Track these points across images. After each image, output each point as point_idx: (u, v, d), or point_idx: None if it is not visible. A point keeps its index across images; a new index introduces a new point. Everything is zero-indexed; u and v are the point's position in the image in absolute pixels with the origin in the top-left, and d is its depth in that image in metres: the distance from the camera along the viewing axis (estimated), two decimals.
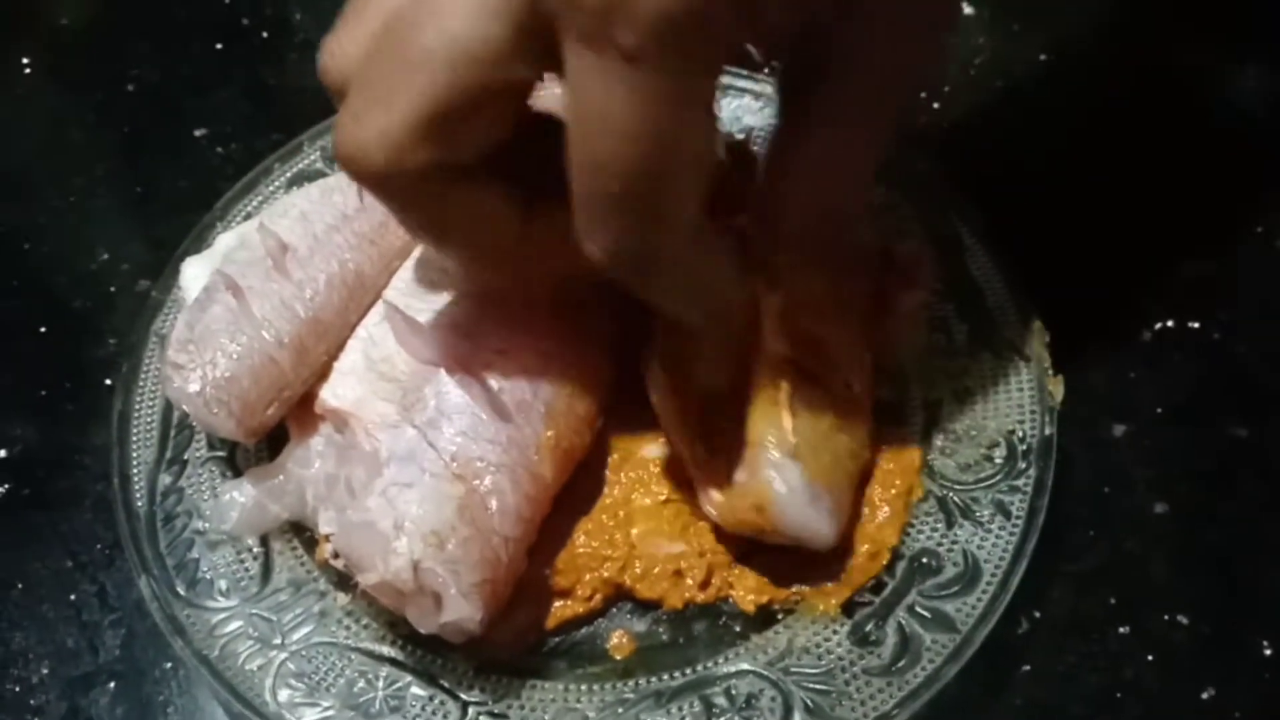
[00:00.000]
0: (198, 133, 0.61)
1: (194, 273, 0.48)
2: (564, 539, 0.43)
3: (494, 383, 0.41)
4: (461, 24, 0.32)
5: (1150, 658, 0.42)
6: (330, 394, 0.44)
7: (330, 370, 0.45)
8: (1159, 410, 0.48)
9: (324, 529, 0.42)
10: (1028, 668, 0.43)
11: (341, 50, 0.35)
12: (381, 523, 0.38)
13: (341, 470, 0.42)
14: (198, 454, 0.46)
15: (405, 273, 0.47)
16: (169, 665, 0.44)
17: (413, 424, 0.41)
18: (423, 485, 0.39)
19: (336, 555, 0.41)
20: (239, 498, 0.43)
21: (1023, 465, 0.43)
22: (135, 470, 0.45)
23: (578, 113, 0.32)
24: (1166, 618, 0.43)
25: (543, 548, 0.42)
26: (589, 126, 0.31)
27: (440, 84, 0.32)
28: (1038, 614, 0.43)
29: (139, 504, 0.45)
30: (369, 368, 0.44)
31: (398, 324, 0.44)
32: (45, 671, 0.45)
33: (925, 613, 0.40)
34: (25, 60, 0.65)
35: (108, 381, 0.51)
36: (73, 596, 0.46)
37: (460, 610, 0.37)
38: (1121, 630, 0.43)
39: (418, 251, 0.47)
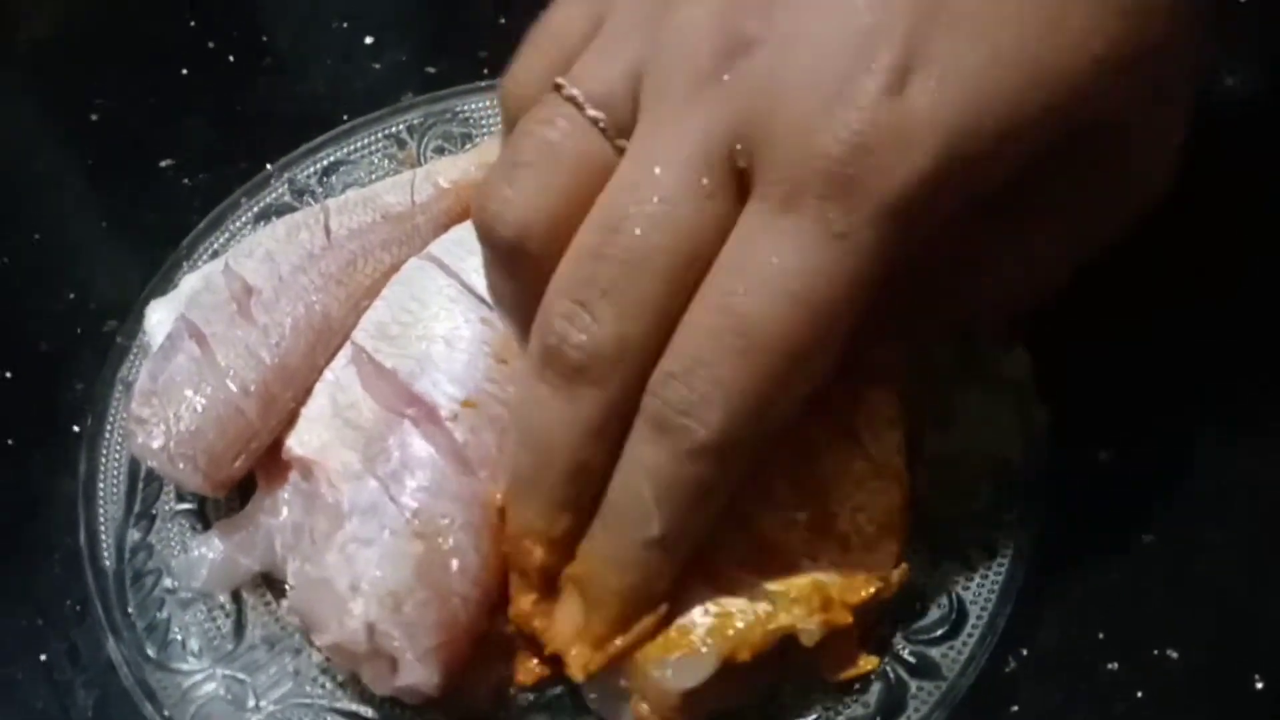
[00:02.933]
0: (163, 163, 0.60)
1: (159, 317, 0.47)
2: None
3: (459, 434, 0.40)
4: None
5: (1140, 694, 0.42)
6: (296, 441, 0.43)
7: (298, 416, 0.44)
8: (1146, 434, 0.47)
9: (290, 580, 0.42)
10: (1015, 708, 0.41)
11: (520, 80, 0.37)
12: (338, 581, 0.37)
13: (307, 519, 0.41)
14: (166, 507, 0.45)
15: (374, 314, 0.46)
16: None
17: (375, 475, 0.40)
18: (382, 543, 0.38)
19: (292, 612, 0.41)
20: (208, 553, 0.43)
21: (1008, 499, 0.43)
22: (103, 526, 0.45)
23: (740, 264, 0.32)
24: (1156, 652, 0.42)
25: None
26: (752, 281, 0.31)
27: None
28: (1024, 651, 0.42)
29: (107, 562, 0.44)
30: (335, 414, 0.43)
31: (364, 368, 0.43)
32: None
33: (910, 659, 0.40)
34: None
35: (75, 428, 0.50)
36: (43, 656, 0.45)
37: (416, 674, 0.37)
38: (1110, 666, 0.42)
39: (387, 291, 0.46)
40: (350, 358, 0.44)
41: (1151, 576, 0.44)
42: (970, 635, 0.40)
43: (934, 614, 0.41)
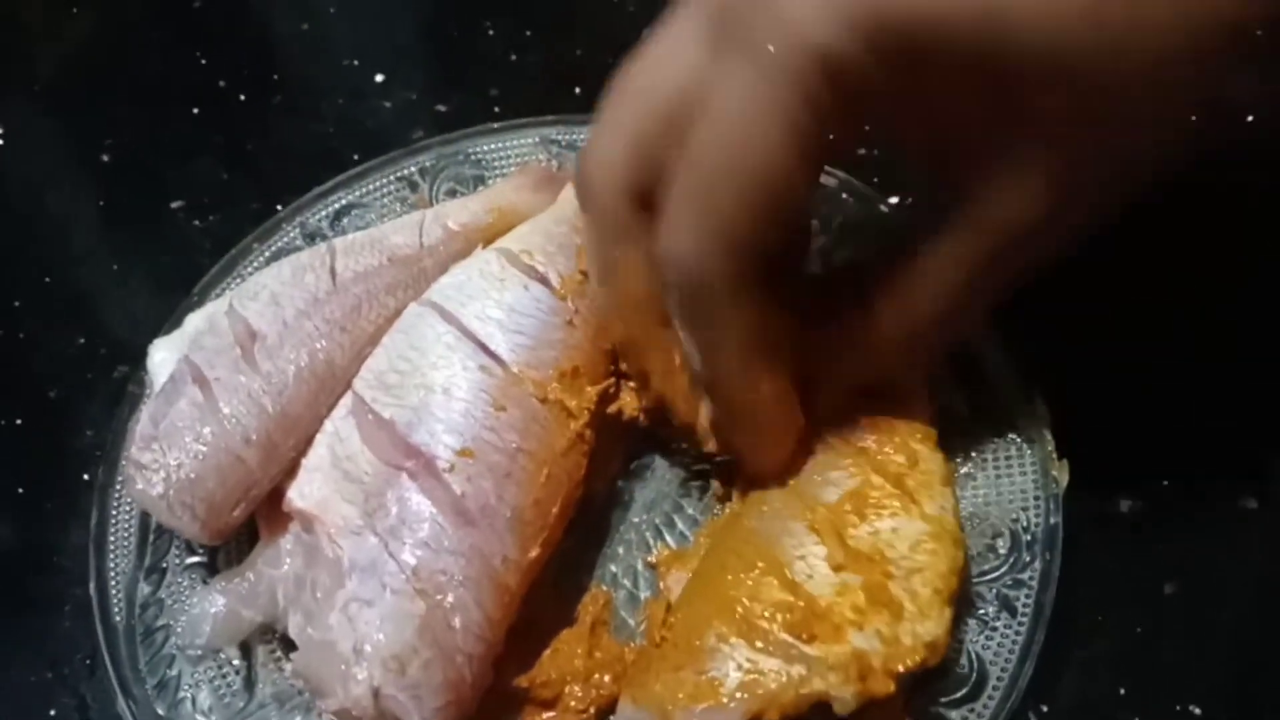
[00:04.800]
0: (175, 204, 0.60)
1: (161, 357, 0.46)
2: (538, 644, 0.42)
3: (458, 486, 0.40)
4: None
5: None
6: (297, 494, 0.42)
7: (299, 466, 0.44)
8: (1165, 484, 0.47)
9: (292, 633, 0.41)
10: None
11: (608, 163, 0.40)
12: (341, 645, 0.37)
13: (308, 572, 0.40)
14: (176, 561, 0.45)
15: (374, 362, 0.45)
16: None
17: (375, 531, 0.39)
18: (383, 603, 0.38)
19: (296, 676, 0.40)
20: (209, 608, 0.42)
21: (1027, 557, 0.42)
22: (113, 580, 0.44)
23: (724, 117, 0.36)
24: (1179, 707, 0.42)
25: (522, 653, 0.41)
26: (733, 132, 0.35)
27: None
28: (1045, 707, 0.42)
29: (117, 618, 0.43)
30: (334, 465, 0.43)
31: (363, 419, 0.43)
32: None
33: None
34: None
35: (85, 476, 0.50)
36: (53, 711, 0.45)
37: None
38: None
39: (386, 338, 0.46)
40: (350, 408, 0.44)
41: (1172, 630, 0.43)
42: (991, 697, 0.39)
43: (954, 675, 0.40)
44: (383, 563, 0.39)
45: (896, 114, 0.39)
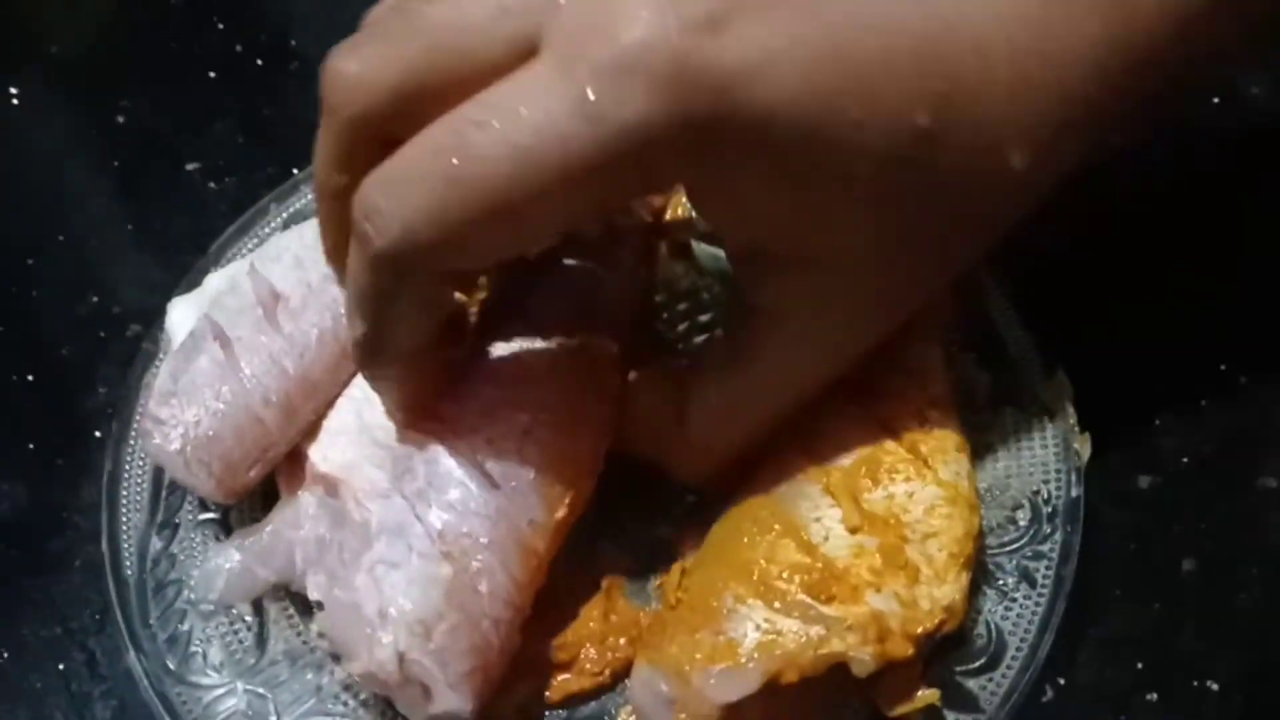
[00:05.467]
0: (190, 167, 0.59)
1: (180, 315, 0.46)
2: (565, 608, 0.42)
3: (484, 450, 0.40)
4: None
5: None
6: (320, 457, 0.42)
7: (319, 429, 0.43)
8: (1185, 461, 0.46)
9: (313, 594, 0.40)
10: None
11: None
12: (367, 607, 0.37)
13: (333, 535, 0.40)
14: (190, 516, 0.45)
15: None
16: None
17: (402, 494, 0.39)
18: (410, 566, 0.37)
19: (321, 636, 0.40)
20: (224, 564, 0.41)
21: (1048, 529, 0.42)
22: (125, 535, 0.44)
23: (492, 100, 0.32)
24: (1196, 684, 0.42)
25: (544, 618, 0.41)
26: (493, 118, 0.32)
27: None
28: (1062, 680, 0.42)
29: (129, 572, 0.43)
30: (361, 430, 0.42)
31: None
32: None
33: (948, 691, 0.39)
34: (13, 91, 0.63)
35: (98, 434, 0.50)
36: (61, 665, 0.45)
37: (449, 702, 0.36)
38: (1149, 698, 0.41)
39: None
40: None
41: (1190, 607, 0.43)
42: (1010, 667, 0.39)
43: (972, 644, 0.40)
44: (410, 525, 0.38)
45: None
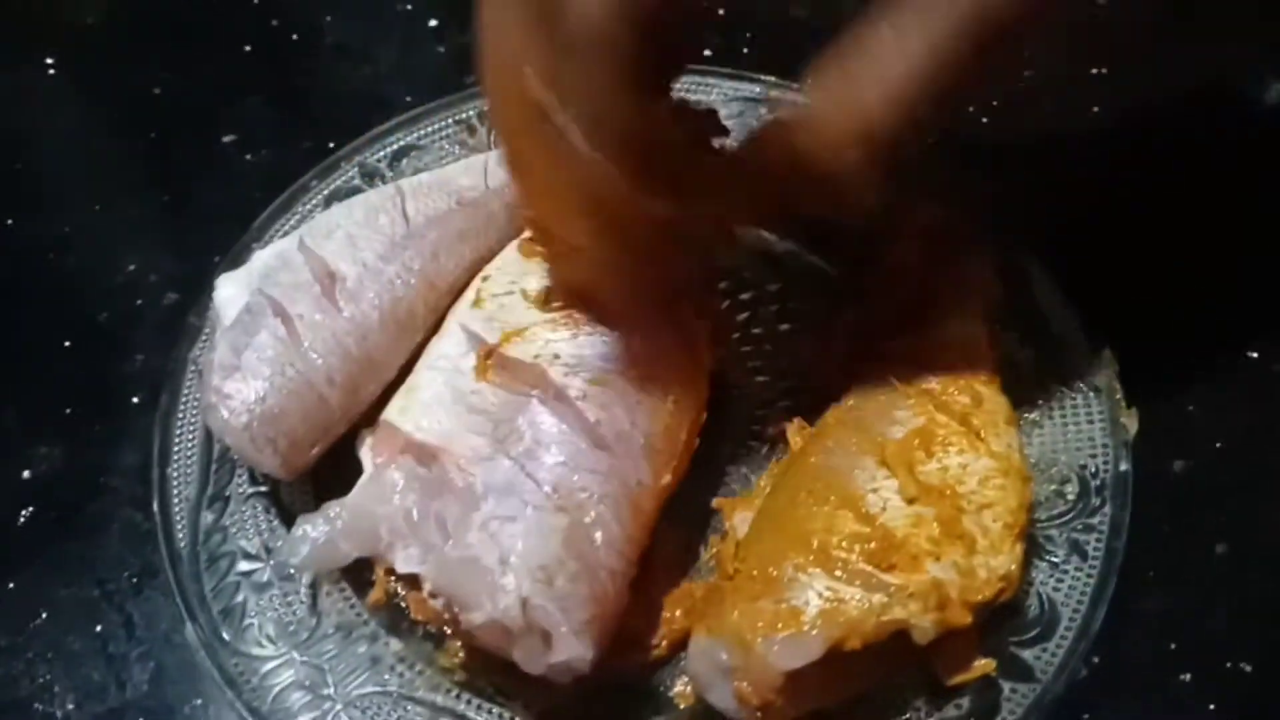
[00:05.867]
0: (226, 139, 0.59)
1: (230, 292, 0.46)
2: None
3: (591, 414, 0.40)
4: None
5: (1212, 707, 0.41)
6: (414, 427, 0.41)
7: (393, 402, 0.43)
8: (1219, 445, 0.47)
9: (403, 567, 0.39)
10: (1087, 716, 0.41)
11: None
12: (486, 558, 0.36)
13: (429, 505, 0.39)
14: (240, 490, 0.45)
15: (487, 308, 0.45)
16: (199, 702, 0.43)
17: (508, 455, 0.39)
18: (525, 518, 0.37)
19: (434, 595, 0.38)
20: (311, 532, 0.40)
21: (1096, 502, 0.42)
22: (177, 508, 0.44)
23: None
24: (1229, 665, 0.42)
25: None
26: None
27: None
28: (1097, 659, 0.41)
29: (182, 544, 0.43)
30: (456, 399, 0.41)
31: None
32: (71, 707, 0.43)
33: (1003, 660, 0.39)
34: (49, 62, 0.63)
35: (135, 399, 0.50)
36: (99, 627, 0.44)
37: (572, 649, 0.36)
38: (1183, 678, 0.41)
39: (479, 283, 0.46)
40: (468, 344, 0.43)
41: (1224, 587, 0.43)
42: (1064, 638, 0.39)
43: (1026, 615, 0.40)
44: (520, 483, 0.38)
45: None
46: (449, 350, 0.43)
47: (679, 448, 0.41)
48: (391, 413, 0.42)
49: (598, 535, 0.37)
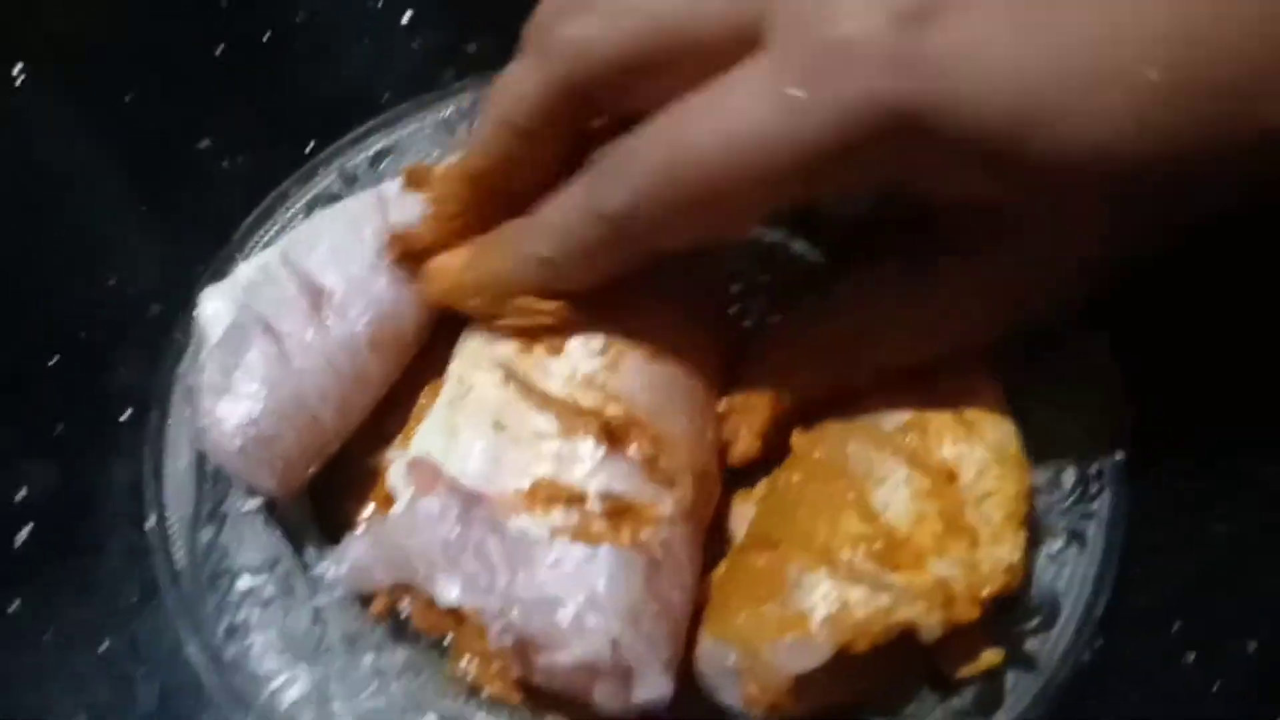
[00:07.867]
0: (202, 144, 0.58)
1: (215, 307, 0.44)
2: None
3: (645, 449, 0.39)
4: None
5: (1217, 687, 0.41)
6: (459, 470, 0.39)
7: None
8: (1219, 425, 0.47)
9: (445, 598, 0.38)
10: (1093, 701, 0.41)
11: None
12: (568, 599, 0.36)
13: (479, 539, 0.38)
14: (237, 506, 0.45)
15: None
16: None
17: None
18: (600, 558, 0.37)
19: (503, 632, 0.37)
20: (349, 555, 0.40)
21: (1095, 489, 0.42)
22: (174, 526, 0.44)
23: (714, 94, 0.35)
24: (1234, 644, 0.42)
25: None
26: (711, 109, 0.35)
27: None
28: (1100, 642, 0.42)
29: (181, 563, 0.43)
30: (499, 435, 0.40)
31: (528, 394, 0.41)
32: None
33: (1007, 651, 0.39)
34: (17, 69, 0.62)
35: (122, 417, 0.49)
36: (103, 647, 0.44)
37: (657, 689, 0.36)
38: (1187, 659, 0.42)
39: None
40: (505, 377, 0.41)
41: (1226, 567, 0.44)
42: (1066, 626, 0.39)
43: (1026, 604, 0.40)
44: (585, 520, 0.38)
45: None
46: (489, 382, 0.41)
47: (719, 475, 0.42)
48: (431, 450, 0.40)
49: (669, 573, 0.37)
